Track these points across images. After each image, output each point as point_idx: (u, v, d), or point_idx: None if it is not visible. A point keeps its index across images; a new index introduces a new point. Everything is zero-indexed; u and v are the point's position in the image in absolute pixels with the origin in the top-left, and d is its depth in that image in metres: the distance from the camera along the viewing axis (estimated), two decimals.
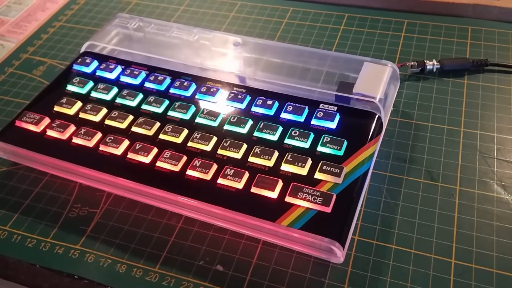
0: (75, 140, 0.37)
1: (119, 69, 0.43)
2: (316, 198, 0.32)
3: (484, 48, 0.47)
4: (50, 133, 0.38)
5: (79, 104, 0.40)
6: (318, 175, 0.33)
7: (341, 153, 0.34)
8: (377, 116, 0.37)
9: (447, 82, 0.44)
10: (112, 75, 0.43)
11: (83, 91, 0.41)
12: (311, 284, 0.31)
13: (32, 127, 0.39)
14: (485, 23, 0.49)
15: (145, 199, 0.36)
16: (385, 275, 0.32)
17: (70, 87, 0.42)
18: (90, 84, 0.42)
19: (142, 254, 0.34)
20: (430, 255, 0.32)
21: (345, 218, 0.31)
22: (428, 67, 0.44)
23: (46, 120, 0.39)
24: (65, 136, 0.38)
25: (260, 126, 0.37)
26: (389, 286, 0.31)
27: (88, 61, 0.44)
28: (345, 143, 0.35)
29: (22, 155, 0.39)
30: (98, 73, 0.43)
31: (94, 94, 0.41)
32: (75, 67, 0.44)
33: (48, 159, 0.37)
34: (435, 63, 0.44)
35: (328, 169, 0.33)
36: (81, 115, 0.39)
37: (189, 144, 0.36)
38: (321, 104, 0.38)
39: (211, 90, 0.40)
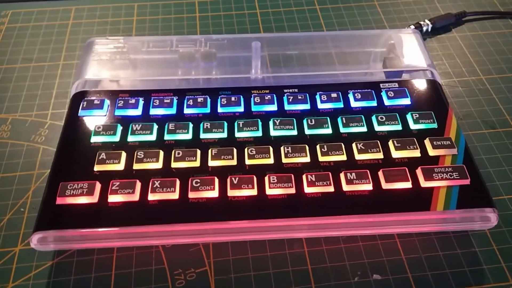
0: (153, 197, 0.30)
1: (141, 102, 0.36)
2: (452, 174, 0.31)
3: (450, 2, 0.51)
4: (115, 198, 0.30)
5: (124, 154, 0.33)
6: (434, 152, 0.33)
7: (435, 125, 0.35)
8: (435, 81, 0.38)
9: (442, 38, 0.47)
10: (137, 111, 0.35)
11: (116, 138, 0.34)
12: (467, 258, 0.31)
13: (85, 200, 0.30)
14: None
15: (256, 236, 0.31)
16: None
17: (96, 139, 0.33)
18: (120, 127, 0.34)
19: None
20: None
21: (482, 183, 0.32)
22: (424, 27, 0.46)
23: (98, 185, 0.31)
24: (136, 196, 0.30)
25: (344, 121, 0.35)
26: None
27: (97, 102, 0.35)
28: (433, 114, 0.35)
29: (78, 237, 0.30)
30: (118, 112, 0.35)
31: (133, 138, 0.34)
32: (82, 113, 0.35)
33: (120, 230, 0.30)
34: (428, 23, 0.47)
35: (440, 143, 0.33)
36: (137, 166, 0.32)
37: (285, 161, 0.33)
38: (381, 84, 0.37)
39: (266, 98, 0.36)
